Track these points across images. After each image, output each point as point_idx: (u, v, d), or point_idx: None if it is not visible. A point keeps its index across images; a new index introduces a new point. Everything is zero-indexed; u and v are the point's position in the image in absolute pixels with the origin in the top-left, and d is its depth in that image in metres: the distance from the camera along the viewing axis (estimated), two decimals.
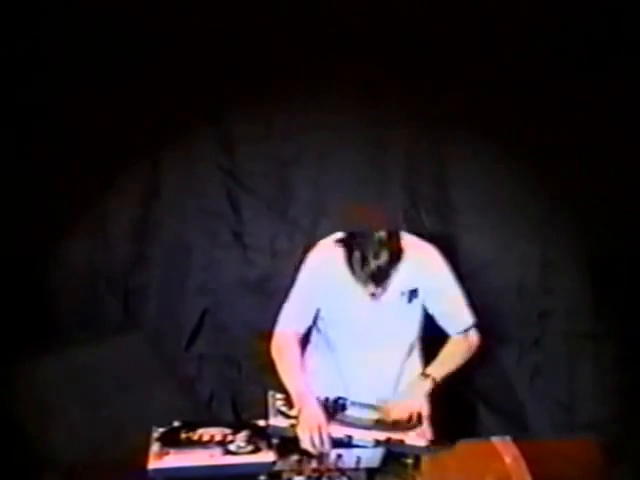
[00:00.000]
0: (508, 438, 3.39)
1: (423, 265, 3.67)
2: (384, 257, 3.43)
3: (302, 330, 3.77)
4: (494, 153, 4.66)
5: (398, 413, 3.53)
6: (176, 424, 3.52)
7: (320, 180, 4.73)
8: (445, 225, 4.76)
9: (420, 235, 3.76)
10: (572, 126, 4.57)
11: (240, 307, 4.78)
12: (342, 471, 3.27)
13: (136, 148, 4.67)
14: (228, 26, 4.56)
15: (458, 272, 4.69)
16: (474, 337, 3.76)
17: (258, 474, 3.26)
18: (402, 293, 3.65)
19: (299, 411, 3.46)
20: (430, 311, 3.72)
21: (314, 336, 3.86)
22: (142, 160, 4.74)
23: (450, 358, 3.72)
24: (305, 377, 3.62)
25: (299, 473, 3.26)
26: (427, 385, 3.62)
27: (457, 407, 4.65)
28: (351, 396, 3.59)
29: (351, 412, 3.55)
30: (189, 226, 4.79)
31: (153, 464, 3.28)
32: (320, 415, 3.43)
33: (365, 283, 3.50)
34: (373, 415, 3.56)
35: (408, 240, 3.65)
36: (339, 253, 3.54)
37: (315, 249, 3.74)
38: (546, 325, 4.75)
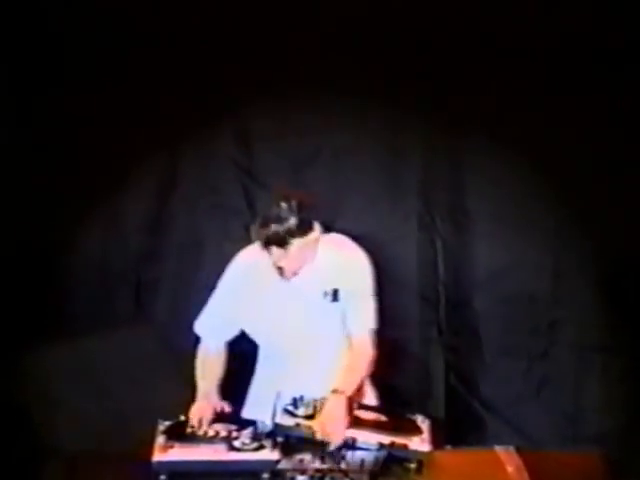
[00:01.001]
0: (511, 448, 3.40)
1: (345, 265, 3.71)
2: (289, 223, 3.50)
3: (222, 341, 3.87)
4: (510, 162, 4.64)
5: (323, 432, 3.47)
6: (182, 418, 3.55)
7: (335, 181, 4.72)
8: (459, 232, 4.74)
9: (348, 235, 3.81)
10: (589, 137, 4.55)
11: None
12: (345, 472, 3.27)
13: (152, 142, 4.66)
14: (248, 21, 4.56)
15: (469, 279, 4.76)
16: (372, 344, 3.75)
17: (261, 472, 3.28)
18: (325, 293, 3.69)
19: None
20: (344, 311, 3.75)
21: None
22: (158, 154, 4.73)
23: (355, 370, 3.72)
24: (207, 383, 3.75)
25: (302, 472, 3.27)
26: (342, 401, 3.55)
27: (463, 414, 4.66)
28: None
29: (356, 414, 3.56)
30: (203, 221, 4.78)
31: (157, 457, 3.32)
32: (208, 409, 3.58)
33: (272, 253, 3.57)
34: (377, 417, 3.58)
35: (336, 238, 3.74)
36: (261, 253, 3.61)
37: (237, 255, 3.84)
38: (555, 336, 4.72)
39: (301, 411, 3.49)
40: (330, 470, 3.28)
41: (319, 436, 3.41)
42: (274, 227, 3.50)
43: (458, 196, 4.73)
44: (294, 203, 3.52)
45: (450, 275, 4.72)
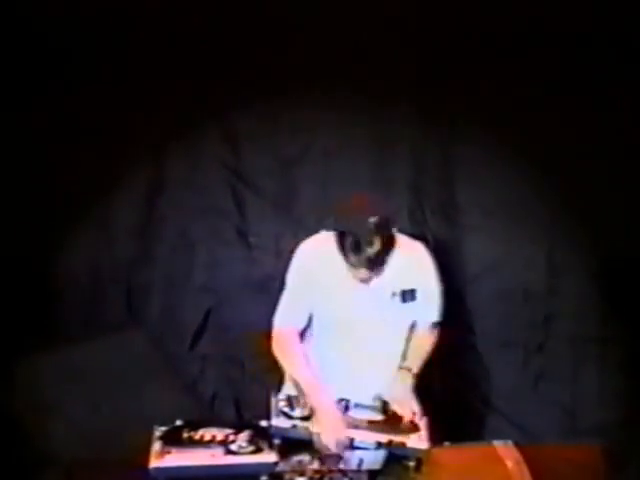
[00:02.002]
0: (510, 442, 3.39)
1: (416, 265, 3.74)
2: (377, 243, 3.44)
3: (299, 327, 3.78)
4: (501, 154, 4.64)
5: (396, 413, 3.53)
6: (178, 423, 3.53)
7: (326, 179, 4.70)
8: (450, 226, 4.73)
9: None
10: (581, 128, 4.55)
11: (244, 306, 4.76)
12: (344, 472, 3.26)
13: (140, 145, 4.65)
14: (235, 22, 4.55)
15: (463, 274, 4.74)
16: (436, 332, 3.85)
17: (259, 474, 3.26)
18: (394, 294, 3.68)
19: (315, 409, 3.49)
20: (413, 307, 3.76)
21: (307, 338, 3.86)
22: (146, 157, 4.72)
23: (420, 351, 3.82)
24: (315, 370, 3.65)
25: (301, 474, 3.25)
26: (410, 379, 3.66)
27: (460, 410, 4.65)
28: (349, 395, 3.59)
29: (354, 414, 3.54)
30: (193, 224, 4.75)
31: (154, 463, 3.29)
32: (339, 416, 3.49)
33: (359, 270, 3.50)
34: (376, 416, 3.55)
35: (400, 239, 3.67)
36: (329, 245, 3.55)
37: (302, 245, 3.76)
38: (551, 329, 4.71)
39: (297, 412, 3.47)
40: (329, 471, 3.26)
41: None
42: (369, 251, 3.42)
43: (449, 189, 4.72)
44: (378, 220, 3.45)
45: (443, 270, 4.68)
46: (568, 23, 4.46)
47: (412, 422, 3.52)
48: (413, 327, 3.83)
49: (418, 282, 3.72)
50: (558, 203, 4.66)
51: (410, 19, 4.54)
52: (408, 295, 3.70)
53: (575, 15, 4.44)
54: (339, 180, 4.69)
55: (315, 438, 3.42)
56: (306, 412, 3.48)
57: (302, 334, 3.80)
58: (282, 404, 3.52)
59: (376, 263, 3.48)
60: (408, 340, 3.83)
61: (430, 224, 4.73)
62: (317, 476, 3.25)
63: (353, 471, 3.27)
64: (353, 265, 3.48)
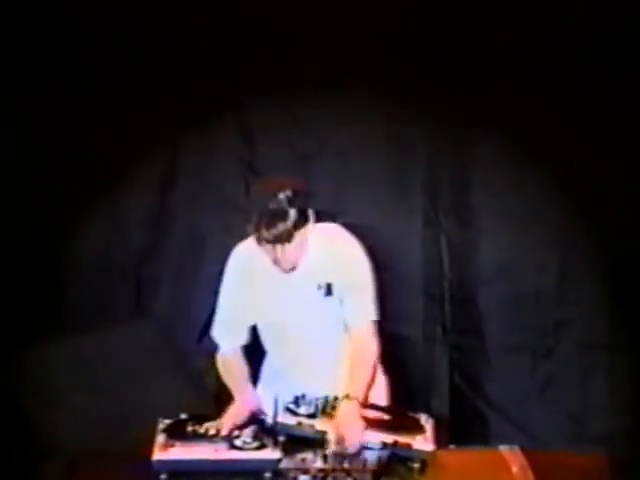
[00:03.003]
0: (516, 447, 3.38)
1: (339, 257, 3.65)
2: (291, 217, 3.41)
3: (241, 343, 3.79)
4: (516, 157, 4.62)
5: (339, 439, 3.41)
6: (183, 416, 3.52)
7: (339, 176, 4.69)
8: (463, 228, 4.71)
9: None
10: (596, 132, 4.53)
11: None
12: (348, 471, 3.24)
13: (154, 137, 4.64)
14: (252, 14, 4.53)
15: (475, 276, 4.73)
16: (374, 336, 3.69)
17: (263, 471, 3.25)
18: (319, 286, 3.65)
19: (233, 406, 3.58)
20: (339, 301, 3.69)
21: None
22: (159, 149, 4.71)
23: (362, 368, 3.64)
24: (250, 390, 3.72)
25: (304, 472, 3.24)
26: (355, 407, 3.49)
27: (467, 413, 4.64)
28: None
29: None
30: (204, 216, 4.75)
31: (158, 455, 3.28)
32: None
33: (271, 250, 3.47)
34: (382, 415, 3.55)
35: (327, 228, 3.69)
36: (255, 246, 3.53)
37: (233, 252, 3.77)
38: (561, 335, 4.69)
39: (303, 409, 3.46)
40: (333, 469, 3.25)
41: (333, 442, 3.34)
42: (281, 226, 3.40)
43: (463, 192, 4.70)
44: (290, 193, 3.42)
45: (455, 272, 4.70)
46: (579, 21, 4.46)
47: (418, 423, 3.50)
48: (349, 334, 3.74)
49: (342, 274, 3.64)
50: (571, 208, 4.65)
51: (428, 18, 4.52)
52: (328, 289, 3.65)
53: (576, 14, 4.44)
54: (353, 178, 4.69)
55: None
56: (311, 409, 3.46)
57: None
58: (287, 401, 3.51)
59: (283, 237, 3.42)
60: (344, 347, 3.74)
61: (443, 226, 4.71)
62: (321, 475, 3.23)
63: (357, 470, 3.24)
64: (262, 240, 3.45)
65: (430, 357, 4.73)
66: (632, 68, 4.46)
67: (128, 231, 4.76)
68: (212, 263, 4.66)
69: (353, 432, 3.37)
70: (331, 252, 3.65)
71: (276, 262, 3.54)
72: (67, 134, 4.59)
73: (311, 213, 3.54)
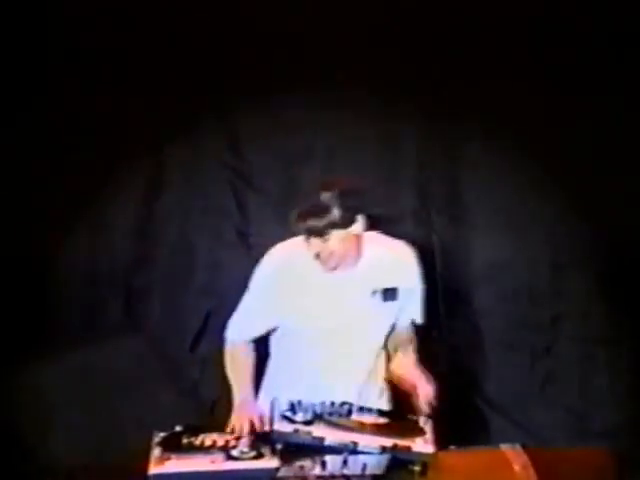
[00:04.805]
0: (518, 446, 3.37)
1: (398, 262, 3.69)
2: (335, 213, 3.43)
3: (253, 338, 3.79)
4: (507, 153, 4.62)
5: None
6: (178, 428, 3.48)
7: (328, 177, 4.65)
8: (455, 226, 4.70)
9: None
10: (587, 128, 4.53)
11: None
12: (347, 477, 3.21)
13: (139, 145, 4.62)
14: (235, 21, 4.52)
15: (468, 274, 4.71)
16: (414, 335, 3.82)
17: None
18: (374, 292, 3.64)
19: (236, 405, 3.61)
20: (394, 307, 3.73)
21: (277, 340, 3.85)
22: (145, 157, 4.69)
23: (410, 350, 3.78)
24: (250, 389, 3.72)
25: (303, 479, 3.20)
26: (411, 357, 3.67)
27: (467, 413, 4.62)
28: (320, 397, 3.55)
29: (357, 417, 3.50)
30: (193, 225, 4.72)
31: (154, 469, 3.25)
32: (253, 411, 3.55)
33: (309, 239, 3.49)
34: (380, 419, 3.51)
35: (380, 236, 3.70)
36: (299, 249, 3.54)
37: (267, 255, 3.74)
38: (558, 330, 4.69)
39: (299, 416, 3.44)
40: (332, 476, 3.22)
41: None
42: (311, 221, 3.43)
43: (454, 189, 4.69)
44: (336, 192, 3.44)
45: (448, 271, 4.68)
46: (576, 19, 4.46)
47: (417, 425, 3.47)
48: (393, 329, 3.81)
49: (400, 281, 3.68)
50: (564, 203, 4.64)
51: (415, 17, 4.51)
52: (390, 294, 3.66)
53: (595, 12, 4.44)
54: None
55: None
56: (308, 416, 3.44)
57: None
58: (284, 408, 3.48)
59: (315, 231, 3.46)
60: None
61: (435, 224, 4.69)
62: None
63: (356, 476, 3.21)
64: (297, 231, 3.50)
65: (426, 358, 4.71)
66: (632, 68, 4.48)
67: (116, 241, 4.72)
68: (202, 271, 4.66)
69: (412, 374, 3.63)
70: (386, 258, 3.66)
71: (317, 257, 3.55)
72: (51, 146, 4.56)
73: (361, 217, 3.54)
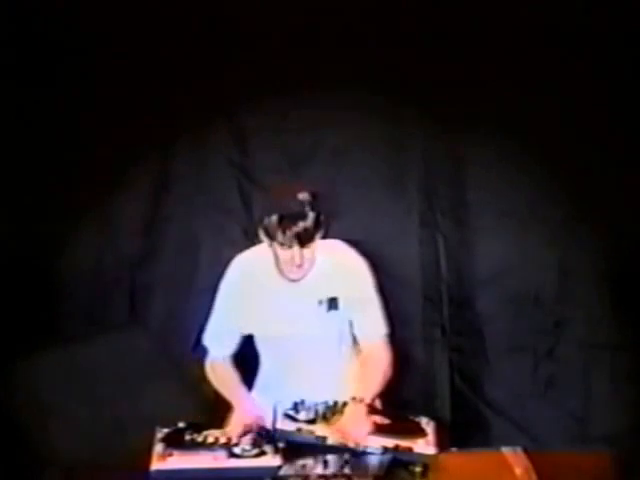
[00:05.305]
0: (519, 449, 3.36)
1: (343, 272, 3.67)
2: (310, 217, 3.42)
3: (230, 351, 3.80)
4: (513, 155, 4.59)
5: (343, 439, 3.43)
6: (180, 425, 3.51)
7: (335, 178, 4.65)
8: (461, 228, 4.68)
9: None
10: (595, 131, 4.51)
11: None
12: (349, 477, 3.22)
13: (146, 142, 4.61)
14: (244, 19, 4.52)
15: (473, 277, 4.70)
16: (386, 349, 3.74)
17: (263, 478, 3.23)
18: (320, 301, 3.64)
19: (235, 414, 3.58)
20: (347, 318, 3.71)
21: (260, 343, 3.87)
22: (151, 154, 4.68)
23: (372, 377, 3.69)
24: (247, 396, 3.74)
25: (305, 478, 3.21)
26: (361, 409, 3.52)
27: (469, 416, 4.61)
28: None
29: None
30: (198, 222, 4.71)
31: (156, 465, 3.27)
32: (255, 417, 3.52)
33: (289, 251, 3.46)
34: (382, 420, 3.52)
35: (331, 243, 3.70)
36: (260, 255, 3.58)
37: (234, 260, 3.77)
38: (562, 334, 4.66)
39: (302, 415, 3.46)
40: (334, 475, 3.22)
41: (334, 441, 3.36)
42: (302, 224, 3.41)
43: (460, 191, 4.67)
44: (309, 196, 3.44)
45: (453, 273, 4.67)
46: (578, 21, 4.44)
47: (419, 427, 3.48)
48: (355, 342, 3.79)
49: (347, 289, 3.66)
50: (570, 206, 4.63)
51: (421, 18, 4.51)
52: (333, 303, 3.66)
53: (575, 12, 4.43)
54: (348, 180, 4.66)
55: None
56: (311, 415, 3.46)
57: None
58: (287, 407, 3.48)
59: (306, 239, 3.44)
60: (353, 357, 3.79)
61: (440, 226, 4.67)
62: None
63: (358, 476, 3.22)
64: (281, 244, 3.45)
65: (430, 360, 4.70)
66: (632, 68, 4.46)
67: (121, 238, 4.71)
68: (206, 269, 4.66)
69: (358, 434, 3.39)
70: (336, 267, 3.66)
71: (287, 268, 3.55)
72: (57, 143, 4.56)
73: (323, 219, 3.54)
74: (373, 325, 3.72)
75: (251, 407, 3.64)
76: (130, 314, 4.72)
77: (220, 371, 3.80)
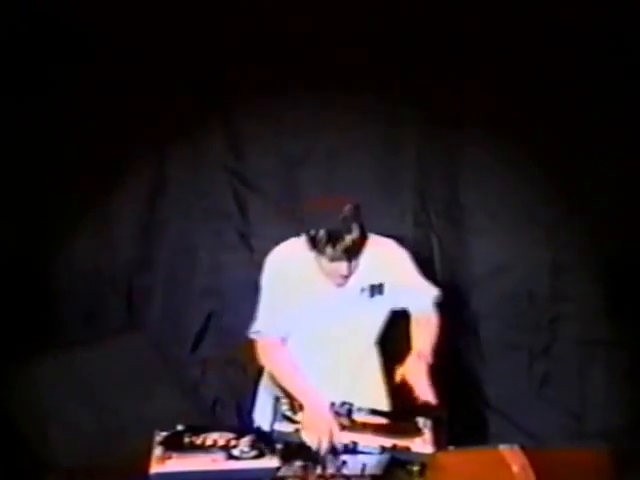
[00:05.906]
0: (516, 446, 3.35)
1: (385, 260, 3.65)
2: (355, 231, 3.39)
3: (282, 334, 3.72)
4: (506, 155, 4.61)
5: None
6: (179, 428, 3.49)
7: (329, 181, 4.67)
8: (455, 228, 4.71)
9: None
10: (587, 130, 4.53)
11: (246, 310, 4.72)
12: (347, 477, 3.22)
13: (142, 146, 4.63)
14: (237, 23, 4.53)
15: (467, 276, 4.71)
16: (436, 312, 3.77)
17: None
18: (362, 289, 3.62)
19: (307, 413, 3.45)
20: (394, 303, 3.71)
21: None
22: (148, 159, 4.70)
23: (428, 334, 3.71)
24: (305, 377, 3.60)
25: (303, 479, 3.21)
26: (423, 364, 3.57)
27: (465, 414, 4.62)
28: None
29: (357, 417, 3.51)
30: (195, 227, 4.74)
31: (155, 468, 3.26)
32: (331, 420, 3.43)
33: (338, 264, 3.43)
34: (380, 420, 3.52)
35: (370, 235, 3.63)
36: (301, 251, 3.50)
37: (275, 251, 3.70)
38: (557, 332, 4.69)
39: (300, 416, 3.44)
40: (332, 476, 3.23)
41: None
42: (349, 237, 3.37)
43: (454, 191, 4.70)
44: (352, 209, 3.41)
45: (447, 273, 4.68)
46: (575, 22, 4.45)
47: (416, 426, 3.49)
48: (407, 314, 3.77)
49: (391, 274, 3.65)
50: (563, 205, 4.65)
51: (417, 20, 4.52)
52: (376, 290, 3.64)
53: (593, 15, 4.44)
54: (343, 182, 4.66)
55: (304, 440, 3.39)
56: None
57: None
58: (284, 408, 3.49)
59: (354, 252, 3.42)
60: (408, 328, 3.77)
61: (435, 226, 4.70)
62: None
63: (356, 476, 3.23)
64: (331, 259, 3.42)
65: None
66: (632, 68, 4.48)
67: (118, 243, 4.74)
68: (203, 272, 4.66)
69: (419, 388, 3.47)
70: (377, 256, 3.62)
71: (333, 279, 3.53)
72: (54, 148, 4.57)
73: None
74: (425, 291, 3.75)
75: (321, 403, 3.54)
76: (128, 317, 4.74)
77: (278, 354, 3.69)
